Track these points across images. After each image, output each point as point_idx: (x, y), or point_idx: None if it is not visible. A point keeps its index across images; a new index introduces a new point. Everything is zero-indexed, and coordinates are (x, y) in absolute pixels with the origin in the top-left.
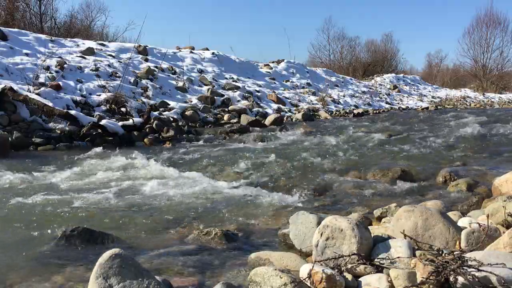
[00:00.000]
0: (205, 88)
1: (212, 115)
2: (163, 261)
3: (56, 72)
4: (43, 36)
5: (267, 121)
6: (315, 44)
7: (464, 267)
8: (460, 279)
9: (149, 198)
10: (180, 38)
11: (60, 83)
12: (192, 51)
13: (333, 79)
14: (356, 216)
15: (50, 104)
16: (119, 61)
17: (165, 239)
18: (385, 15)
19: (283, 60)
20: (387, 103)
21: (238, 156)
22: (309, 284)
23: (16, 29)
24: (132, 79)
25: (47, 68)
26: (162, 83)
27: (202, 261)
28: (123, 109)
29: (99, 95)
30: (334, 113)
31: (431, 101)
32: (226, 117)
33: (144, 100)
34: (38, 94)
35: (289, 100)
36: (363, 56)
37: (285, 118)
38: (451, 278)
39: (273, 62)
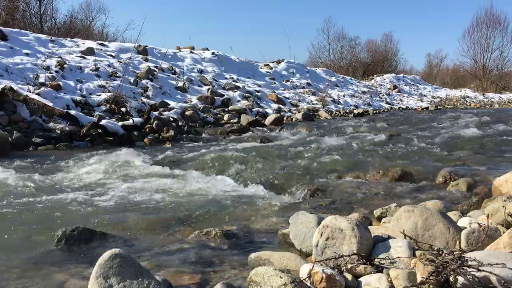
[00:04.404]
0: (205, 88)
1: (212, 115)
2: (163, 261)
3: (56, 72)
4: (43, 36)
5: (267, 121)
6: (315, 44)
7: (464, 267)
8: (460, 279)
9: (149, 198)
10: (180, 38)
11: (60, 83)
12: (192, 51)
13: (333, 79)
14: (356, 216)
15: (50, 104)
16: (119, 61)
17: (165, 239)
18: (385, 15)
19: (283, 60)
20: (387, 103)
21: (238, 156)
22: (309, 284)
23: (16, 29)
24: (132, 79)
25: (47, 68)
26: (162, 83)
27: (202, 261)
28: (123, 109)
29: (99, 95)
30: (334, 113)
31: (431, 101)
32: (226, 117)
33: (144, 100)
34: (38, 94)
35: (289, 100)
36: (363, 56)
37: (285, 118)
38: (451, 278)
39: (273, 62)
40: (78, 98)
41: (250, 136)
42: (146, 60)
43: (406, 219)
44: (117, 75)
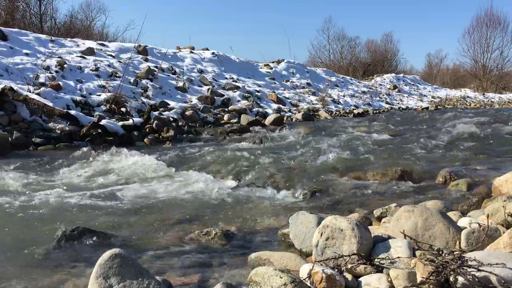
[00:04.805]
0: (205, 88)
1: (212, 115)
2: (163, 261)
3: (56, 72)
4: (43, 36)
5: (267, 121)
6: (315, 44)
7: (464, 267)
8: (460, 279)
9: (149, 198)
10: (180, 38)
11: (60, 83)
12: (192, 51)
13: (333, 79)
14: (356, 216)
15: (50, 104)
16: (119, 61)
17: (165, 239)
18: (385, 15)
19: (283, 60)
20: (387, 103)
21: (238, 156)
22: (309, 284)
23: (16, 29)
24: (132, 79)
25: (47, 68)
26: (162, 83)
27: (202, 261)
28: (123, 109)
29: (99, 95)
30: (334, 113)
31: (431, 101)
32: (226, 117)
33: (144, 100)
34: (38, 94)
35: (289, 100)
36: (363, 56)
37: (285, 118)
38: (451, 278)
39: (273, 62)
40: (78, 98)
41: (250, 136)
42: (146, 60)
43: (406, 219)
44: (117, 75)
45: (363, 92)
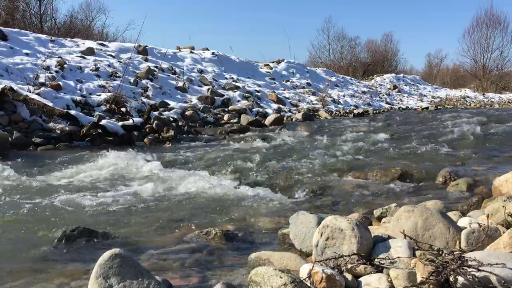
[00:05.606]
0: (205, 88)
1: (212, 115)
2: (163, 261)
3: (56, 72)
4: (43, 36)
5: (267, 121)
6: (315, 44)
7: (464, 267)
8: (460, 279)
9: (149, 198)
10: (180, 38)
11: (60, 83)
12: (192, 51)
13: (333, 79)
14: (356, 216)
15: (50, 104)
16: (119, 61)
17: (165, 239)
18: (385, 15)
19: (283, 60)
20: (387, 103)
21: (238, 156)
22: (309, 284)
23: (16, 29)
24: (132, 79)
25: (47, 68)
26: (162, 83)
27: (202, 261)
28: (123, 109)
29: (99, 95)
30: (334, 113)
31: (431, 101)
32: (226, 117)
33: (144, 100)
34: (38, 94)
35: (289, 100)
36: (363, 56)
37: (285, 118)
38: (451, 278)
39: (273, 62)
40: (78, 98)
41: (250, 136)
42: (146, 60)
43: (406, 219)
44: (117, 75)
45: (363, 92)
